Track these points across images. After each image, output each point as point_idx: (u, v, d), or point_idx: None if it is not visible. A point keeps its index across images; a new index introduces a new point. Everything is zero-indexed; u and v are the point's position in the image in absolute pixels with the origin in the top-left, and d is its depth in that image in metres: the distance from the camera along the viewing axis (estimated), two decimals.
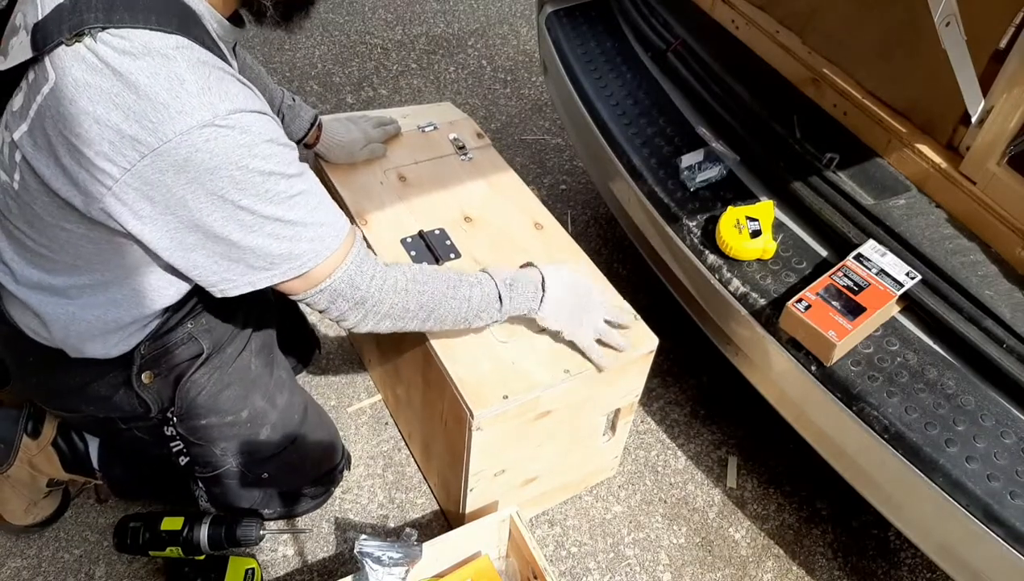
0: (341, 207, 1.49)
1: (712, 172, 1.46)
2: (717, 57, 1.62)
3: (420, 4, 3.06)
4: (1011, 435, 1.09)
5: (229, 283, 0.97)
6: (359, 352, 1.80)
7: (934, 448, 1.08)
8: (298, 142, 1.48)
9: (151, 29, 0.83)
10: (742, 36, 1.68)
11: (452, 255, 1.42)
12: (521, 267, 1.25)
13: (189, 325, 1.16)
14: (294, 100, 1.46)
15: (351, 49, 2.78)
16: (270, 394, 1.28)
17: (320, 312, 1.07)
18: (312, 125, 1.48)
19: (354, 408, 1.70)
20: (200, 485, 1.31)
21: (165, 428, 1.22)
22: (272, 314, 1.38)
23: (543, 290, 1.23)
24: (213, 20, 0.95)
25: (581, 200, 2.29)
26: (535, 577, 1.27)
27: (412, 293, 1.09)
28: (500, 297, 1.18)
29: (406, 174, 1.58)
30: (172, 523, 1.30)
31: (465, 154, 1.65)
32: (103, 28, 0.83)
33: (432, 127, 1.72)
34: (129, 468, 1.40)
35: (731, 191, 1.45)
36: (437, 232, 1.45)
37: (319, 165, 1.58)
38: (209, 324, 1.18)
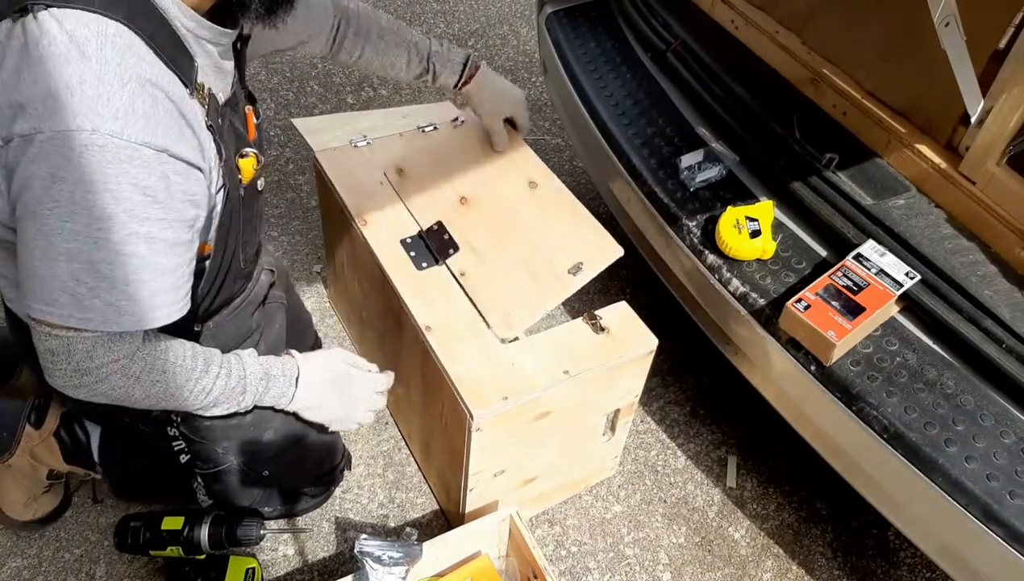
0: (341, 207, 1.51)
1: (712, 172, 1.46)
2: (717, 57, 1.63)
3: (420, 4, 3.06)
4: (1010, 435, 1.09)
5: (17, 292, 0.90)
6: (359, 352, 1.80)
7: (933, 448, 1.08)
8: (455, 87, 1.49)
9: (93, 11, 0.81)
10: (742, 36, 1.69)
11: (451, 250, 1.42)
12: (284, 354, 1.21)
13: (196, 328, 1.15)
14: (441, 45, 1.46)
15: None
16: None
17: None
18: (465, 65, 1.47)
19: None
20: (200, 481, 1.31)
21: (168, 428, 1.22)
22: (283, 315, 1.38)
23: (295, 386, 1.18)
24: (183, 16, 0.90)
25: (581, 200, 2.29)
26: (535, 577, 1.27)
27: (143, 382, 1.00)
28: (245, 391, 1.12)
29: (403, 166, 1.57)
30: (173, 523, 1.30)
31: (457, 121, 1.67)
32: (46, 7, 0.81)
33: (432, 127, 1.73)
34: (129, 462, 1.40)
35: (731, 191, 1.45)
36: (435, 227, 1.45)
37: (318, 166, 1.58)
38: (216, 329, 1.18)
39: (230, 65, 1.03)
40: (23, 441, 1.34)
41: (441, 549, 1.27)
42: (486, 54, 2.84)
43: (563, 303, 1.98)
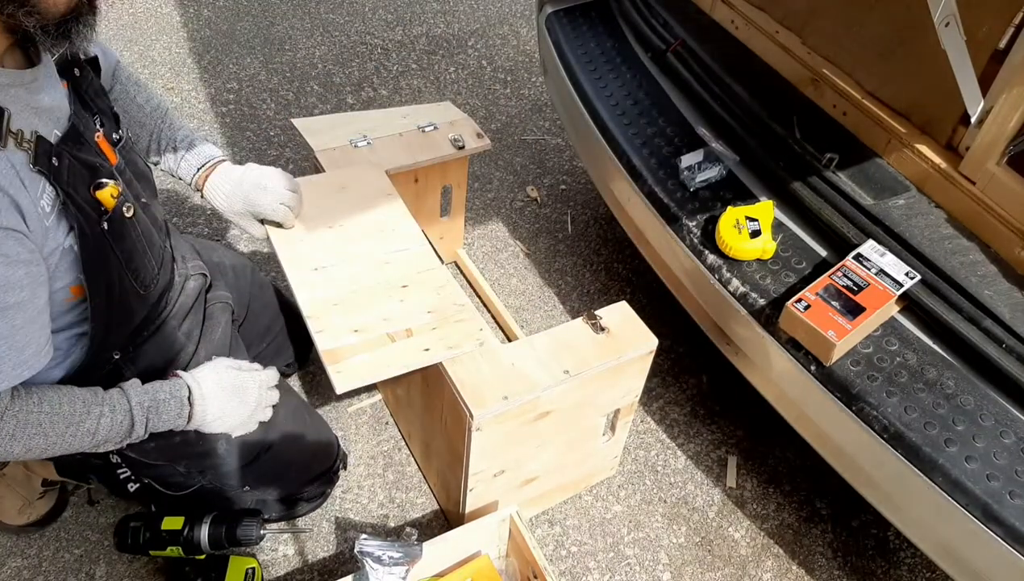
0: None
1: (712, 172, 1.46)
2: (717, 57, 1.63)
3: (420, 4, 3.06)
4: (1010, 435, 1.09)
5: None
6: None
7: (933, 448, 1.08)
8: (194, 187, 1.36)
9: None
10: (742, 36, 1.69)
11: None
12: (170, 376, 1.17)
13: (115, 356, 1.13)
14: (192, 145, 1.34)
15: (351, 50, 2.78)
16: None
17: None
18: (200, 169, 1.34)
19: (354, 408, 1.71)
20: (155, 507, 1.31)
21: (111, 456, 1.20)
22: (228, 317, 1.36)
23: (189, 404, 1.14)
24: None
25: (581, 200, 2.30)
26: (535, 577, 1.27)
27: (20, 438, 0.98)
28: (134, 424, 1.09)
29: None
30: (172, 523, 1.30)
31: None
32: None
33: (432, 127, 1.73)
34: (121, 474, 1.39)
35: (731, 191, 1.45)
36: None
37: (318, 166, 1.58)
38: (136, 352, 1.16)
39: (53, 100, 0.99)
40: None
41: (441, 549, 1.27)
42: (486, 54, 2.84)
43: (563, 303, 1.99)
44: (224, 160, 1.36)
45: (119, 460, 1.21)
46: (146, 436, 1.11)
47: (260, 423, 1.25)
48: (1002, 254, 1.26)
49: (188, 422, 1.15)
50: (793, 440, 1.35)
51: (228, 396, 1.18)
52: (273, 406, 1.27)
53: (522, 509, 1.38)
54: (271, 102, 2.50)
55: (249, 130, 2.38)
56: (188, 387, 1.15)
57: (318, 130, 1.66)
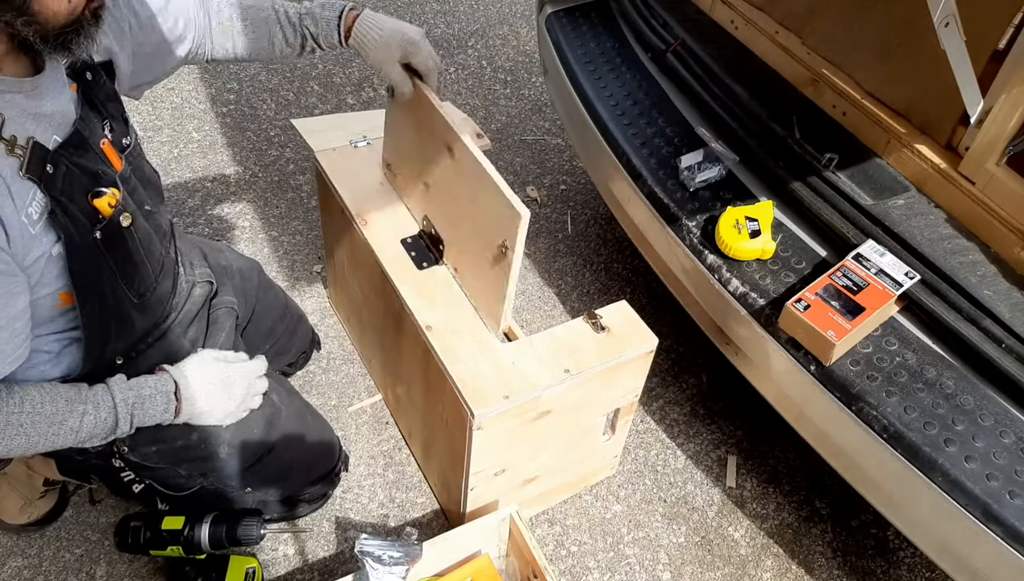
0: (341, 207, 1.51)
1: (711, 172, 1.47)
2: (716, 57, 1.63)
3: (420, 5, 3.06)
4: (1010, 434, 1.09)
5: None
6: (359, 352, 1.80)
7: (933, 447, 1.08)
8: (341, 45, 1.29)
9: None
10: (741, 36, 1.69)
11: (441, 246, 1.41)
12: (157, 370, 1.16)
13: (119, 362, 1.13)
14: (312, 9, 1.28)
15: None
16: None
17: None
18: (341, 17, 1.26)
19: (354, 408, 1.71)
20: (165, 507, 1.31)
21: (113, 459, 1.20)
22: (232, 322, 1.36)
23: (176, 399, 1.14)
24: None
25: (581, 200, 2.30)
26: (535, 576, 1.28)
27: (3, 438, 0.99)
28: (118, 421, 1.08)
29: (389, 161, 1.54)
30: (173, 522, 1.30)
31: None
32: None
33: None
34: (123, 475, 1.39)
35: (730, 191, 1.46)
36: (425, 223, 1.44)
37: (318, 166, 1.58)
38: (140, 357, 1.16)
39: (56, 105, 0.98)
40: None
41: (441, 549, 1.27)
42: (486, 54, 2.84)
43: (563, 303, 1.99)
44: (360, 9, 1.28)
45: (121, 464, 1.21)
46: (132, 431, 1.11)
47: (261, 425, 1.26)
48: (1002, 254, 1.26)
49: (176, 416, 1.15)
50: (793, 440, 1.35)
51: (215, 390, 1.18)
52: (267, 399, 1.27)
53: (522, 509, 1.38)
54: (271, 102, 2.50)
55: (249, 130, 2.38)
56: (175, 381, 1.14)
57: (318, 130, 1.66)
